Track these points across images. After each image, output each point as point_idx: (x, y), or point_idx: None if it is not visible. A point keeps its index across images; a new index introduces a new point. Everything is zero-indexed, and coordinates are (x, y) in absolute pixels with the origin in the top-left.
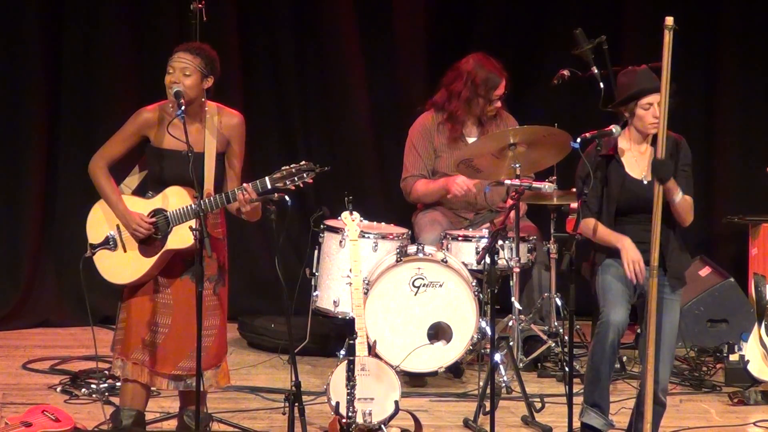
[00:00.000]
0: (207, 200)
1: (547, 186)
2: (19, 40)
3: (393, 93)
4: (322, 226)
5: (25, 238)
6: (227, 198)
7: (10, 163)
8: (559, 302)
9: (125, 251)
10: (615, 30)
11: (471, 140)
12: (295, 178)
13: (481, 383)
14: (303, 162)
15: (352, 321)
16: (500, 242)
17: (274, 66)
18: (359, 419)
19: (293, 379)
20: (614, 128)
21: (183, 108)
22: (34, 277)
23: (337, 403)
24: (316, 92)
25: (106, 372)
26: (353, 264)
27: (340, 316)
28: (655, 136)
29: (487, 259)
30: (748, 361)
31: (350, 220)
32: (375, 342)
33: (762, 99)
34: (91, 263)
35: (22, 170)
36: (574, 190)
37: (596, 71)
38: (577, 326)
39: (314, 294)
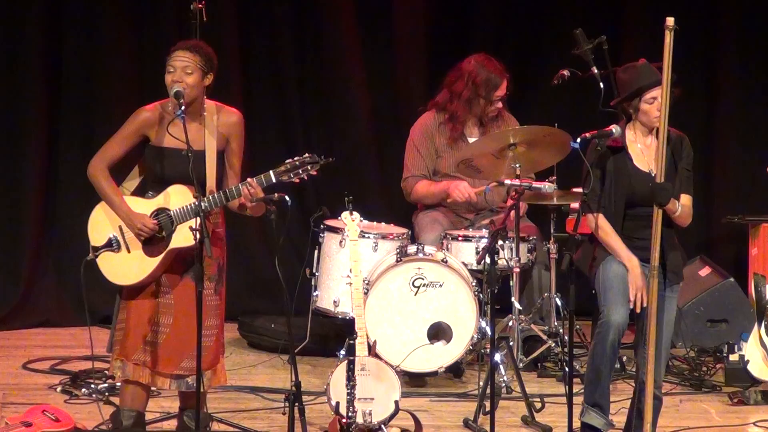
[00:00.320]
0: (210, 197)
1: (547, 186)
2: (19, 40)
3: (393, 93)
4: (322, 226)
5: (25, 238)
6: (231, 194)
7: (10, 163)
8: (559, 302)
9: (129, 252)
10: (615, 30)
11: (472, 140)
12: (300, 171)
13: (481, 383)
14: (306, 154)
15: (352, 321)
16: (500, 242)
17: (274, 66)
18: (359, 419)
19: (293, 379)
20: (614, 128)
21: (183, 108)
22: (34, 277)
23: (337, 403)
24: (316, 92)
25: (105, 372)
26: (353, 264)
27: (340, 316)
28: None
29: (487, 259)
30: (748, 361)
31: (350, 220)
32: (375, 342)
33: (762, 99)
34: (94, 266)
35: (22, 170)
36: (575, 190)
37: (596, 71)
38: (577, 326)
39: (314, 294)
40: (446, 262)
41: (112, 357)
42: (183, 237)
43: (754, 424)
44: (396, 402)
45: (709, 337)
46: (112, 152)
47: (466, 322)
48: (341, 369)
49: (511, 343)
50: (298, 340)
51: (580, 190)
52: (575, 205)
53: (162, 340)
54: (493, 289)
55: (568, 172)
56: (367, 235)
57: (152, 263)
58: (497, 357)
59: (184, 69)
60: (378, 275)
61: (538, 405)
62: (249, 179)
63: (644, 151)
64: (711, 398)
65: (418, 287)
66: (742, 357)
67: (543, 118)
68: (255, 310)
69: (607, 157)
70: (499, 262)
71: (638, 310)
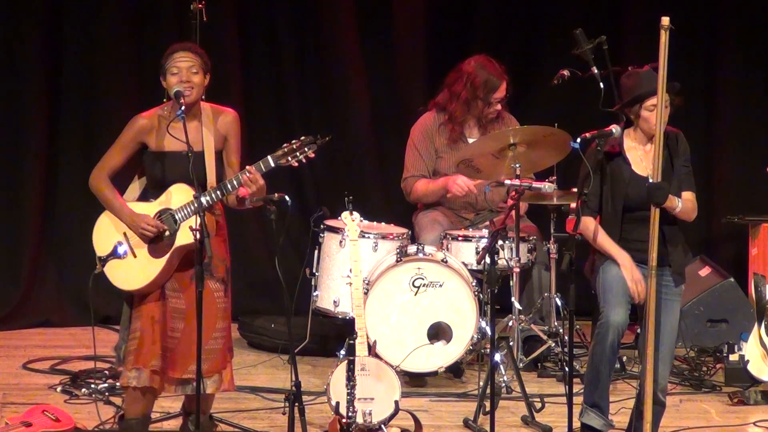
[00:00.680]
0: (210, 192)
1: (547, 186)
2: (19, 40)
3: (393, 93)
4: (322, 226)
5: (25, 238)
6: (231, 185)
7: (11, 164)
8: (559, 302)
9: (135, 257)
10: (615, 30)
11: (472, 141)
12: (297, 154)
13: (481, 383)
14: (303, 136)
15: (352, 321)
16: (500, 242)
17: (274, 66)
18: (359, 419)
19: (293, 379)
20: (614, 128)
21: (183, 108)
22: (34, 277)
23: (337, 403)
24: (316, 92)
25: (106, 372)
26: (353, 264)
27: (340, 316)
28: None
29: (487, 259)
30: (748, 361)
31: (350, 220)
32: (375, 342)
33: (762, 99)
34: (102, 276)
35: (22, 171)
36: (575, 189)
37: (596, 71)
38: (577, 326)
39: (314, 294)
40: (446, 262)
41: (125, 368)
42: (188, 234)
43: (754, 424)
44: (396, 402)
45: (709, 337)
46: (112, 162)
47: (466, 322)
48: (341, 369)
49: (511, 343)
50: (298, 340)
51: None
52: (575, 205)
53: (173, 346)
54: (493, 289)
55: (568, 172)
56: (367, 235)
57: (159, 264)
58: (497, 357)
59: (189, 69)
60: (378, 275)
61: (538, 405)
62: (248, 167)
63: (643, 157)
64: (711, 398)
65: (418, 287)
66: (742, 357)
67: (543, 118)
68: (255, 310)
69: (605, 162)
70: (499, 262)
71: (638, 302)
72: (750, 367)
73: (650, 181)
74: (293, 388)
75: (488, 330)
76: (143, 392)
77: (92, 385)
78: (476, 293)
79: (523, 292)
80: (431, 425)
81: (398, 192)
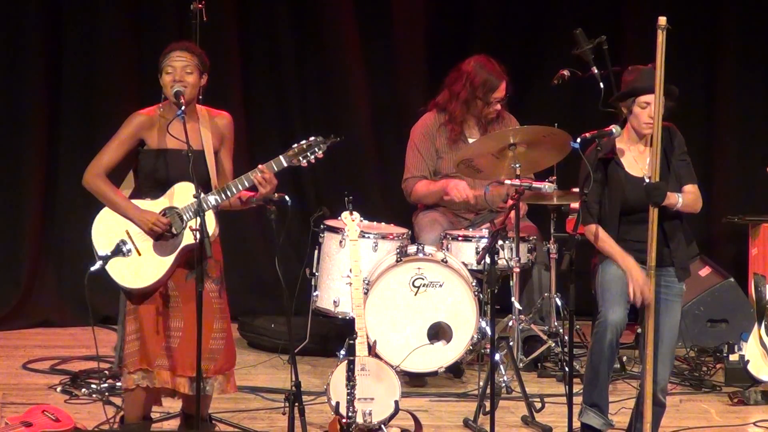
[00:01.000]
0: (217, 191)
1: (547, 186)
2: (19, 40)
3: (393, 93)
4: (322, 226)
5: (25, 238)
6: (241, 185)
7: (11, 164)
8: (559, 302)
9: (140, 254)
10: (615, 30)
11: (472, 141)
12: (308, 153)
13: (481, 383)
14: (312, 137)
15: (352, 321)
16: (500, 242)
17: (274, 66)
18: (359, 419)
19: (293, 379)
20: (614, 128)
21: (183, 108)
22: (34, 277)
23: (337, 403)
24: (316, 92)
25: (106, 372)
26: (353, 264)
27: (340, 316)
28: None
29: (487, 259)
30: (748, 361)
31: (350, 220)
32: (375, 342)
33: (762, 99)
34: (101, 273)
35: (23, 171)
36: (575, 190)
37: (596, 71)
38: (577, 326)
39: (314, 294)
40: (446, 262)
41: (126, 370)
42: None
43: (754, 424)
44: (396, 402)
45: (709, 337)
46: (108, 159)
47: (466, 322)
48: (341, 369)
49: (511, 343)
50: (298, 340)
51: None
52: (575, 205)
53: (176, 345)
54: (493, 289)
55: (568, 172)
56: (367, 235)
57: (166, 262)
58: (497, 357)
59: (184, 69)
60: (378, 275)
61: (538, 405)
62: (260, 166)
63: (637, 158)
64: (711, 398)
65: (418, 287)
66: (742, 357)
67: (543, 118)
68: (255, 310)
69: (600, 167)
70: (499, 262)
71: (638, 305)
72: (750, 367)
73: (647, 181)
74: (293, 388)
75: (488, 330)
76: (147, 393)
77: (92, 385)
78: (476, 293)
79: (523, 292)
80: (431, 425)
81: (398, 192)
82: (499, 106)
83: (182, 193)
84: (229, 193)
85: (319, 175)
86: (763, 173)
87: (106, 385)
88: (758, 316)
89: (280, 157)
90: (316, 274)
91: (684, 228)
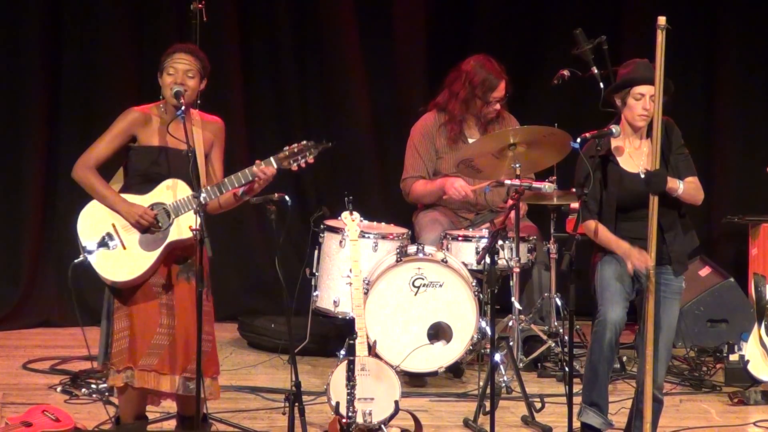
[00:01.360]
0: (209, 188)
1: (547, 186)
2: (18, 40)
3: (393, 93)
4: (322, 226)
5: (25, 238)
6: (238, 180)
7: (10, 163)
8: (559, 302)
9: (125, 248)
10: (615, 30)
11: (472, 141)
12: (299, 157)
13: (481, 383)
14: (304, 141)
15: (352, 321)
16: (500, 242)
17: (274, 66)
18: (359, 419)
19: (293, 379)
20: (614, 128)
21: (183, 108)
22: (34, 277)
23: (337, 403)
24: (316, 92)
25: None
26: (353, 264)
27: (340, 316)
28: (650, 129)
29: (487, 259)
30: (748, 361)
31: (350, 220)
32: (375, 342)
33: (762, 99)
34: (88, 266)
35: (22, 170)
36: (574, 190)
37: (596, 71)
38: (577, 326)
39: (314, 294)
40: (446, 262)
41: (112, 368)
42: (181, 230)
43: (754, 424)
44: (396, 402)
45: (709, 337)
46: (99, 152)
47: (466, 322)
48: (341, 369)
49: (511, 343)
50: (298, 340)
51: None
52: (575, 205)
53: (168, 342)
54: (493, 289)
55: (568, 172)
56: (367, 235)
57: (151, 257)
58: (497, 357)
59: (186, 72)
60: (378, 275)
61: (538, 405)
62: (257, 161)
63: (633, 154)
64: (711, 398)
65: (418, 287)
66: (742, 357)
67: (543, 118)
68: (255, 310)
69: (597, 166)
70: (499, 262)
71: (644, 270)
72: (750, 367)
73: (642, 176)
74: (293, 388)
75: (488, 330)
76: (139, 393)
77: (92, 385)
78: (476, 293)
79: (523, 292)
80: (431, 425)
81: (398, 192)
82: (498, 106)
83: (171, 189)
84: (224, 188)
85: (319, 175)
86: (763, 173)
87: (105, 385)
88: (758, 316)
89: (271, 158)
90: (316, 274)
91: (684, 222)
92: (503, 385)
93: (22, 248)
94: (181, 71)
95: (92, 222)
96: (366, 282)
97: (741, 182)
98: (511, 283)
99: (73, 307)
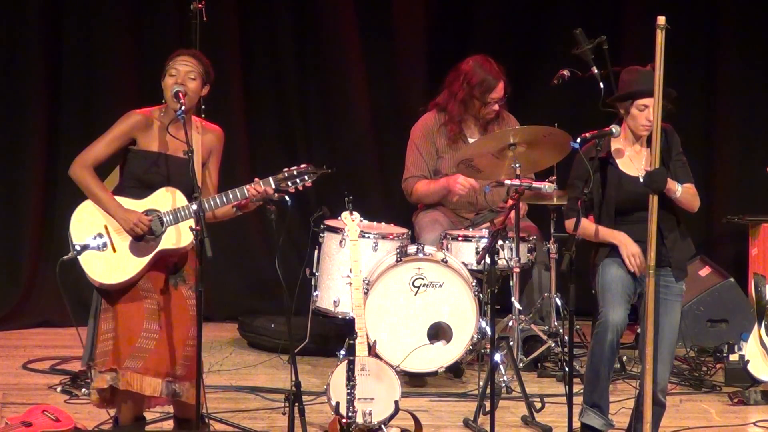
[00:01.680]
0: (210, 199)
1: (547, 186)
2: (18, 40)
3: (393, 93)
4: (322, 226)
5: (25, 238)
6: (234, 196)
7: (10, 163)
8: (559, 302)
9: (114, 251)
10: (615, 30)
11: (473, 141)
12: (297, 180)
13: (481, 383)
14: (303, 165)
15: (352, 321)
16: (500, 242)
17: (274, 66)
18: (359, 419)
19: (293, 379)
20: (614, 128)
21: (183, 108)
22: (34, 277)
23: (337, 403)
24: (316, 92)
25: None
26: (353, 264)
27: (340, 316)
28: (649, 136)
29: (487, 259)
30: (748, 361)
31: (350, 220)
32: (375, 342)
33: (762, 99)
34: (77, 265)
35: (22, 170)
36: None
37: (596, 71)
38: (577, 326)
39: (314, 294)
40: (446, 262)
41: (96, 369)
42: (174, 238)
43: (754, 424)
44: (396, 402)
45: (709, 337)
46: (98, 153)
47: (466, 322)
48: (341, 369)
49: (511, 343)
50: (298, 340)
51: None
52: (576, 204)
53: (153, 347)
54: (493, 289)
55: (568, 172)
56: (367, 235)
57: (140, 263)
58: (497, 357)
59: (187, 74)
60: (378, 275)
61: (538, 405)
62: (255, 179)
63: (633, 157)
64: (711, 398)
65: (418, 287)
66: (742, 357)
67: (543, 118)
68: (255, 310)
69: (596, 167)
70: (499, 262)
71: (638, 274)
72: (750, 367)
73: (641, 179)
74: (293, 388)
75: (488, 330)
76: (132, 394)
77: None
78: (476, 293)
79: (523, 292)
80: (431, 425)
81: (398, 192)
82: (497, 107)
83: (166, 198)
84: (220, 201)
85: (319, 175)
86: (763, 173)
87: (89, 388)
88: (758, 316)
89: (270, 179)
90: (316, 274)
91: (681, 228)
92: (503, 385)
93: (22, 248)
94: (182, 72)
95: (85, 221)
96: (366, 282)
97: (741, 182)
98: (511, 283)
99: (65, 304)
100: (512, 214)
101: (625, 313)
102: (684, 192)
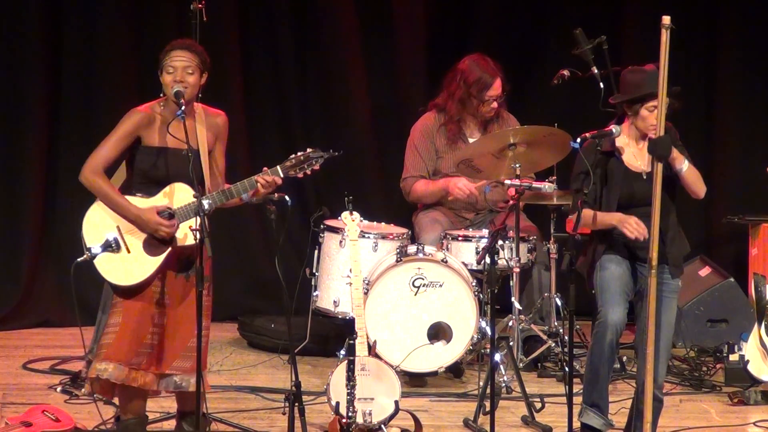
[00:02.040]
0: (214, 195)
1: (547, 186)
2: (18, 39)
3: (393, 93)
4: (322, 226)
5: (25, 238)
6: (243, 187)
7: (10, 163)
8: (559, 302)
9: (129, 252)
10: (615, 30)
11: (473, 141)
12: (305, 165)
13: (481, 383)
14: (310, 149)
15: (352, 321)
16: (500, 242)
17: (274, 66)
18: (359, 419)
19: (293, 379)
20: (614, 128)
21: (183, 108)
22: (34, 277)
23: (337, 403)
24: (316, 92)
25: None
26: (353, 264)
27: (340, 316)
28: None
29: (487, 259)
30: (748, 361)
31: (350, 220)
32: (375, 342)
33: (762, 99)
34: (90, 266)
35: (22, 170)
36: (571, 185)
37: (596, 71)
38: (577, 326)
39: (314, 294)
40: (446, 262)
41: (97, 358)
42: (186, 235)
43: (754, 424)
44: (396, 402)
45: (709, 337)
46: (106, 155)
47: (466, 322)
48: (341, 369)
49: (511, 343)
50: (298, 340)
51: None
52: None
53: (156, 342)
54: (493, 289)
55: (568, 172)
56: (367, 235)
57: (155, 262)
58: (497, 357)
59: (185, 69)
60: (378, 275)
61: (538, 405)
62: (264, 168)
63: (636, 154)
64: (711, 398)
65: (418, 287)
66: (742, 357)
67: (543, 118)
68: (255, 310)
69: (600, 162)
70: (499, 262)
71: (642, 239)
72: (750, 367)
73: (644, 176)
74: (293, 388)
75: (488, 330)
76: (134, 391)
77: None
78: (476, 293)
79: (523, 292)
80: (431, 425)
81: (398, 192)
82: (495, 105)
83: (178, 194)
84: (228, 195)
85: (319, 175)
86: (763, 173)
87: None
88: (758, 316)
89: (277, 167)
90: (316, 274)
91: (678, 225)
92: (503, 385)
93: (22, 248)
94: (179, 68)
95: (97, 223)
96: (366, 282)
97: (741, 182)
98: (511, 283)
99: (74, 306)
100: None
101: (624, 312)
102: (690, 169)
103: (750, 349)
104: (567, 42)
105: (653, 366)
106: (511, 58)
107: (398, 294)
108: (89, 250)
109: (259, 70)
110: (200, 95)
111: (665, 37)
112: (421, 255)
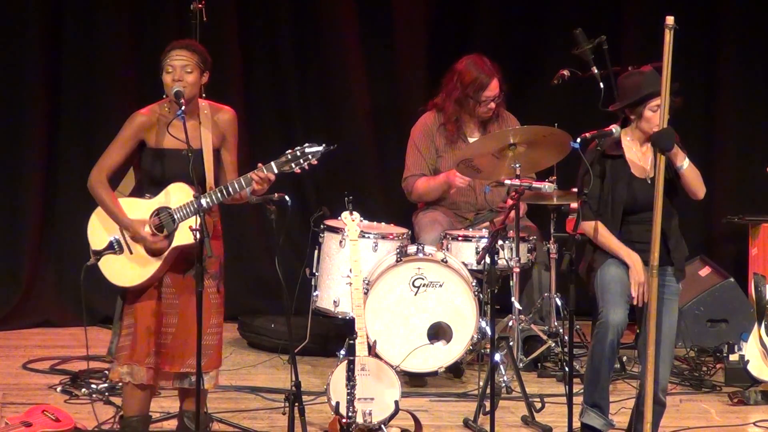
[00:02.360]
0: (212, 193)
1: (547, 186)
2: (18, 40)
3: (393, 93)
4: (322, 226)
5: (25, 238)
6: (240, 185)
7: (10, 164)
8: (559, 302)
9: (131, 253)
10: (615, 30)
11: (472, 141)
12: (301, 161)
13: (481, 383)
14: (306, 144)
15: (352, 321)
16: (500, 242)
17: (274, 66)
18: (359, 419)
19: (293, 379)
20: (614, 128)
21: (183, 108)
22: (34, 277)
23: (337, 403)
24: (316, 92)
25: (106, 372)
26: (353, 264)
27: (340, 316)
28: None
29: (487, 259)
30: (748, 361)
31: (350, 220)
32: (375, 342)
33: (762, 99)
34: (96, 269)
35: (22, 171)
36: (575, 189)
37: (596, 71)
38: (577, 326)
39: (314, 294)
40: (446, 262)
41: (116, 363)
42: (186, 235)
43: (754, 424)
44: (396, 402)
45: (709, 337)
46: (111, 160)
47: (466, 322)
48: (341, 369)
49: (511, 343)
50: (298, 340)
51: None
52: (575, 205)
53: (169, 341)
54: (493, 289)
55: (568, 172)
56: (367, 235)
57: (156, 263)
58: (497, 357)
59: (183, 68)
60: (378, 275)
61: (538, 405)
62: (259, 164)
63: (641, 158)
64: (711, 398)
65: (418, 287)
66: (742, 357)
67: (543, 118)
68: (255, 310)
69: (604, 162)
70: (499, 262)
71: (640, 305)
72: (750, 367)
73: (649, 181)
74: (293, 388)
75: (488, 330)
76: (141, 389)
77: (92, 385)
78: (476, 293)
79: (523, 292)
80: (431, 425)
81: (398, 192)
82: (493, 105)
83: (177, 194)
84: (220, 195)
85: (319, 175)
86: (763, 173)
87: (106, 385)
88: (758, 316)
89: (272, 163)
90: (316, 274)
91: (678, 230)
92: (503, 385)
93: (22, 248)
94: (178, 68)
95: (101, 225)
96: (366, 282)
97: (741, 182)
98: (511, 283)
99: (82, 310)
100: (512, 213)
101: (625, 313)
102: (690, 167)
103: (750, 349)
104: (567, 42)
105: (655, 368)
106: (511, 58)
107: (398, 294)
108: (94, 252)
109: (259, 70)
110: (203, 94)
111: (669, 37)
112: (421, 255)
